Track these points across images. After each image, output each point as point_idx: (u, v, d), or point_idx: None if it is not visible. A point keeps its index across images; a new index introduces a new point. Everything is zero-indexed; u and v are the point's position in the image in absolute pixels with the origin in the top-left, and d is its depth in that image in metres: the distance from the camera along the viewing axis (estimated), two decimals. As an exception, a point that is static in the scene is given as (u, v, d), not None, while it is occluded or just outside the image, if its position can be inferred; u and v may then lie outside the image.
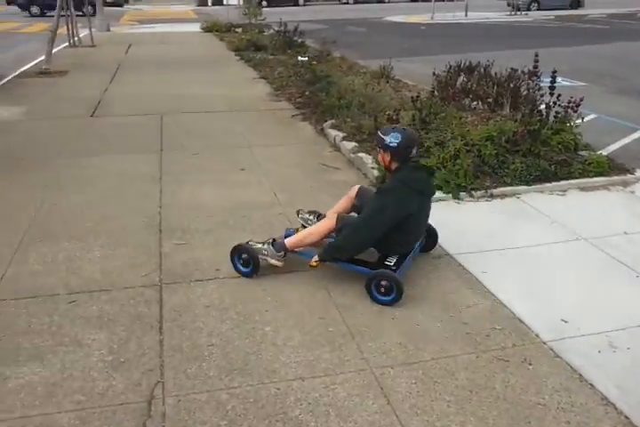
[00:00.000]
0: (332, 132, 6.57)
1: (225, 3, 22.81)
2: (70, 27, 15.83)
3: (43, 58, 12.22)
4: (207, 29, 20.87)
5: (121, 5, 40.05)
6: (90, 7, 29.68)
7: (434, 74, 7.73)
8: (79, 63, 12.94)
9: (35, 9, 30.26)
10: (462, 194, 4.94)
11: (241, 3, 21.80)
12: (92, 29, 17.61)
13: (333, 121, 6.91)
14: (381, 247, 3.60)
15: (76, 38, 16.15)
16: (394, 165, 3.55)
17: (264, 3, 36.95)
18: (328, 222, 3.64)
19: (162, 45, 16.96)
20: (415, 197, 3.50)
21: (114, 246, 4.08)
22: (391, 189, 3.51)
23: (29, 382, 2.78)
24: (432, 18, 27.38)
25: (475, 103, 7.27)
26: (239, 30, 19.80)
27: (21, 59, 13.96)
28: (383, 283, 3.36)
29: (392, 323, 3.23)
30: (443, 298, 3.48)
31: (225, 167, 5.78)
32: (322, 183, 5.30)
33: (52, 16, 12.91)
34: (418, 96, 6.90)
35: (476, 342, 3.07)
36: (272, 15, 20.71)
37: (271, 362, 2.90)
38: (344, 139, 6.25)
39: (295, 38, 15.06)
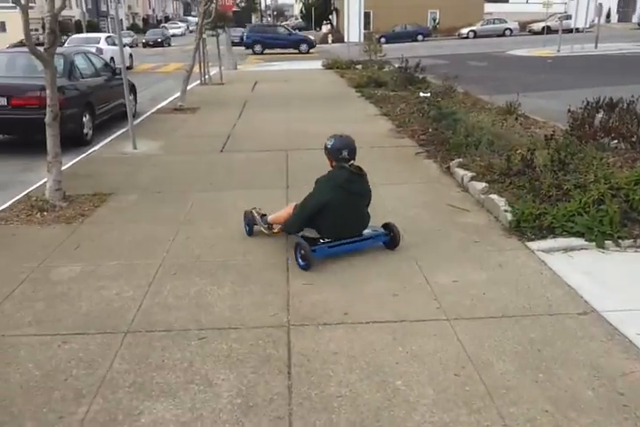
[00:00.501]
0: (460, 172, 6.35)
1: (346, 40, 23.31)
2: (203, 66, 16.92)
3: (177, 95, 13.10)
4: (328, 66, 21.48)
5: (247, 45, 42.44)
6: (304, 45, 32.11)
7: (569, 111, 7.34)
8: (209, 100, 13.73)
9: (258, 47, 34.48)
10: (607, 243, 4.53)
11: (362, 40, 22.24)
12: (222, 68, 18.72)
13: (461, 160, 6.69)
14: (318, 230, 4.51)
15: (206, 76, 17.21)
16: (333, 163, 4.55)
17: (382, 39, 37.67)
18: (288, 209, 4.75)
19: (285, 83, 17.62)
20: (336, 190, 4.38)
21: (243, 283, 4.11)
22: (319, 180, 4.55)
23: (162, 418, 2.79)
24: (558, 50, 26.40)
25: (615, 142, 6.77)
26: (359, 67, 20.19)
27: (159, 96, 15.08)
28: (302, 252, 4.29)
29: (536, 386, 2.94)
30: (592, 361, 3.13)
31: (350, 205, 5.74)
32: (450, 226, 5.09)
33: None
34: (552, 135, 6.56)
35: (636, 417, 2.71)
36: (391, 51, 20.94)
37: (404, 420, 2.72)
38: (473, 179, 6.02)
39: (416, 74, 15.08)
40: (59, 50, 10.09)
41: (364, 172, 4.56)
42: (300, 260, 4.32)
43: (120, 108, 11.25)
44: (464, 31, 43.44)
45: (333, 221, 4.42)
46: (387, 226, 4.66)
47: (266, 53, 33.98)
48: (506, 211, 5.03)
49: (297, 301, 3.84)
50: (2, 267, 4.55)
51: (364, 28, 36.65)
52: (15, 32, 46.30)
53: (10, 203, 6.14)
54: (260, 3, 59.44)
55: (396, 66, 16.29)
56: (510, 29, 44.03)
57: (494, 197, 5.36)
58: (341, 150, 4.50)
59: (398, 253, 4.54)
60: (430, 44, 38.15)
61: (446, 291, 3.91)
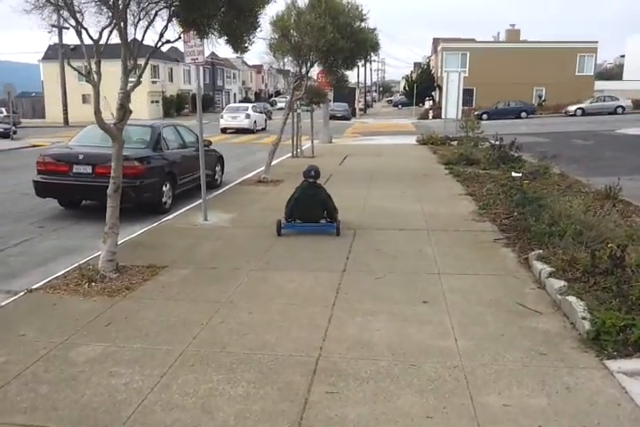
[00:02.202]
0: (538, 265, 5.63)
1: (443, 116, 23.17)
2: (295, 139, 17.28)
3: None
4: (422, 142, 21.29)
5: (349, 119, 43.66)
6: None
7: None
8: (295, 173, 13.67)
9: None
10: None
11: (459, 117, 21.99)
12: (315, 141, 19.06)
13: (541, 251, 5.97)
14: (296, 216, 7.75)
15: (298, 150, 17.52)
16: (305, 178, 7.88)
17: (484, 116, 37.34)
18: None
19: (375, 157, 17.54)
20: (301, 191, 7.72)
21: (260, 384, 3.64)
22: (296, 188, 7.91)
23: None
24: (675, 131, 24.71)
25: None
26: (454, 143, 19.83)
27: (249, 167, 15.40)
28: (277, 225, 7.53)
29: None
30: None
31: (406, 297, 5.18)
32: (515, 331, 4.38)
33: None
34: (651, 227, 5.73)
35: None
36: (492, 128, 20.45)
37: None
38: (551, 275, 5.28)
39: (511, 152, 14.44)
40: (148, 123, 10.67)
41: (319, 184, 7.97)
42: (277, 229, 7.47)
43: (206, 178, 11.50)
44: (571, 109, 42.02)
45: (298, 210, 7.65)
46: (335, 220, 7.64)
47: (364, 128, 34.62)
48: (584, 318, 4.27)
49: (313, 413, 3.31)
50: (28, 340, 4.40)
51: (467, 105, 36.52)
52: (138, 103, 50.77)
53: (66, 270, 6.15)
54: (363, 79, 61.37)
55: (491, 143, 15.77)
56: (622, 107, 42.06)
57: (572, 299, 4.61)
58: (310, 171, 7.81)
59: (446, 359, 3.91)
60: (534, 121, 37.25)
61: (493, 418, 3.23)
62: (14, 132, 30.04)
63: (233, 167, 15.66)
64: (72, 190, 9.08)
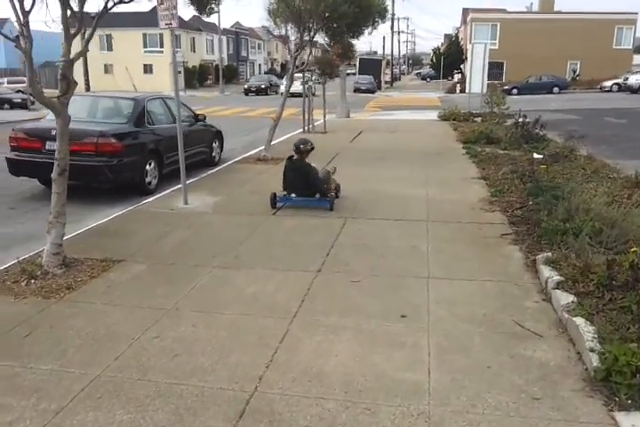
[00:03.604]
0: (545, 271, 4.75)
1: (467, 91, 21.91)
2: (307, 114, 16.35)
3: (273, 143, 12.40)
4: (444, 118, 20.13)
5: (374, 92, 42.28)
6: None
7: None
8: (300, 150, 12.90)
9: None
10: None
11: (484, 91, 20.70)
12: (333, 115, 18.06)
13: (550, 254, 5.08)
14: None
15: (310, 125, 16.59)
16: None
17: (514, 91, 35.70)
18: None
19: (391, 134, 16.54)
20: (286, 166, 7.66)
21: (171, 431, 2.91)
22: None
23: None
24: None
25: None
26: (478, 120, 18.66)
27: (256, 142, 14.54)
28: (271, 198, 7.54)
29: None
30: None
31: (382, 308, 4.37)
32: (505, 362, 3.54)
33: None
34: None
35: None
36: (521, 103, 19.19)
37: None
38: (559, 285, 4.41)
39: (535, 131, 13.34)
40: (131, 95, 9.87)
41: (302, 161, 7.58)
42: (270, 202, 7.45)
43: (200, 155, 10.73)
44: (607, 84, 39.96)
45: (288, 185, 7.58)
46: (326, 194, 7.53)
47: (387, 102, 33.36)
48: (592, 350, 3.42)
49: (220, 482, 2.57)
50: None
51: (496, 79, 34.85)
52: (161, 74, 50.01)
53: (10, 264, 5.46)
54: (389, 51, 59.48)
55: (514, 121, 14.65)
56: (662, 83, 39.83)
57: (580, 321, 3.75)
58: (297, 145, 7.61)
59: (413, 401, 3.11)
60: (566, 96, 35.44)
61: None
62: (32, 103, 29.58)
63: (240, 143, 14.89)
64: (45, 169, 8.22)
